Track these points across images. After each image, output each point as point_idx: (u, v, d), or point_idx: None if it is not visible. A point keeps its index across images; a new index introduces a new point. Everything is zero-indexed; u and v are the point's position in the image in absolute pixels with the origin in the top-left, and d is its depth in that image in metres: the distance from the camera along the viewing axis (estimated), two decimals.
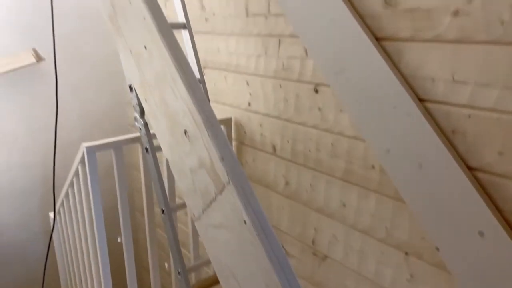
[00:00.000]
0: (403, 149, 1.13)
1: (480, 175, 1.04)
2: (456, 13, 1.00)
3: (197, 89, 0.79)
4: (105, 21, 1.05)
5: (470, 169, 1.05)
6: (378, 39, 1.19)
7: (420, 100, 1.12)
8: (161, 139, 0.94)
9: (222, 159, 0.72)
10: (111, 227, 1.82)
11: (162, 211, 1.36)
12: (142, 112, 1.38)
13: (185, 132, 0.81)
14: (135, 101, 1.38)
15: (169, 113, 0.85)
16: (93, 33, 2.53)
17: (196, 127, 0.77)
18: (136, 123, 1.41)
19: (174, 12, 1.92)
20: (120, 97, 2.78)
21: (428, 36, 1.07)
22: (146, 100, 0.95)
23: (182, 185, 0.87)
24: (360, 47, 1.20)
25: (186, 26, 1.51)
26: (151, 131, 1.42)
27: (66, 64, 2.47)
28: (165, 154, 0.94)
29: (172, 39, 0.82)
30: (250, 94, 1.69)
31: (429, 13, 1.05)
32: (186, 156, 0.82)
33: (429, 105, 1.10)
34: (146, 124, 1.37)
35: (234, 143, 1.81)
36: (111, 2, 0.98)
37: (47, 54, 2.32)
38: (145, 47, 0.88)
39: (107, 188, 2.11)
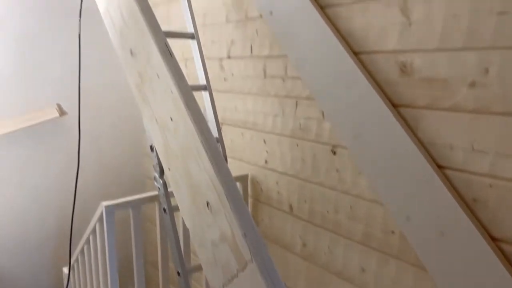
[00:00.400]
0: (423, 217, 1.12)
1: (504, 246, 1.01)
2: (472, 84, 1.03)
3: (221, 163, 0.80)
4: (131, 89, 1.09)
5: (493, 240, 1.03)
6: (395, 106, 1.21)
7: (439, 167, 1.12)
8: (182, 207, 0.95)
9: (245, 235, 0.72)
10: (123, 279, 1.80)
11: (178, 273, 1.34)
12: (161, 172, 1.40)
13: (208, 204, 0.82)
14: (155, 161, 1.41)
15: (192, 184, 0.87)
16: (114, 87, 2.63)
17: (219, 201, 0.78)
18: (155, 183, 1.43)
19: (194, 71, 2.00)
20: (138, 149, 2.83)
21: (445, 105, 1.09)
22: (169, 168, 0.97)
23: (202, 256, 0.87)
24: (377, 113, 1.23)
25: (206, 88, 1.56)
26: (169, 189, 1.44)
27: (87, 116, 2.55)
28: (186, 222, 0.94)
29: (198, 112, 0.85)
30: (267, 152, 1.71)
31: (446, 83, 1.08)
32: (208, 227, 0.83)
33: (448, 172, 1.10)
34: (165, 184, 1.39)
35: (250, 200, 1.81)
36: (138, 73, 1.03)
37: (69, 107, 2.41)
38: (171, 118, 0.91)
39: (122, 240, 2.10)
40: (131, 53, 1.03)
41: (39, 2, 2.28)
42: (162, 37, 0.93)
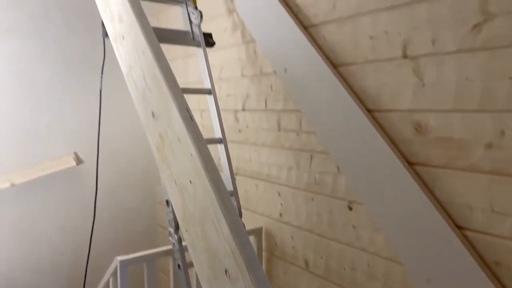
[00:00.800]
0: (445, 279, 1.09)
1: None
2: (489, 146, 1.03)
3: (240, 230, 0.81)
4: (152, 149, 1.12)
5: None
6: (410, 164, 1.21)
7: (459, 228, 1.10)
8: (199, 270, 0.94)
9: None
10: None
11: None
12: (176, 228, 1.40)
13: (226, 271, 0.81)
14: (170, 216, 1.42)
15: (210, 248, 0.87)
16: (130, 136, 2.68)
17: (237, 269, 0.78)
18: (170, 238, 1.42)
19: (209, 122, 2.04)
20: (151, 196, 2.84)
21: (462, 165, 1.09)
22: (187, 230, 0.97)
23: None
24: (393, 170, 1.23)
25: (222, 141, 1.59)
26: (184, 243, 1.44)
27: (103, 165, 2.59)
28: (202, 284, 0.93)
29: (217, 178, 0.87)
30: (282, 204, 1.71)
31: (461, 144, 1.08)
32: None
33: (468, 233, 1.08)
34: (180, 240, 1.39)
35: (264, 254, 1.79)
36: (159, 135, 1.06)
37: (85, 155, 2.46)
38: (190, 181, 0.93)
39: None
40: (153, 115, 1.07)
41: (63, 54, 2.38)
42: (183, 102, 0.97)
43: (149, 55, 1.04)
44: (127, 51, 1.19)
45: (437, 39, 1.12)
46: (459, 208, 1.10)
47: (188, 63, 2.36)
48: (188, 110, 0.96)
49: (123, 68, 1.25)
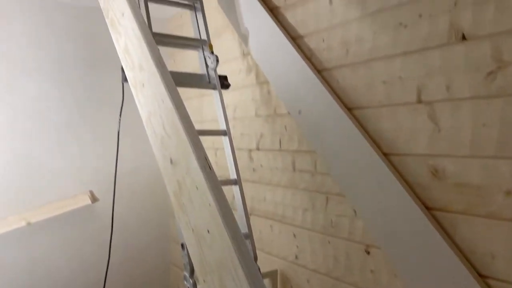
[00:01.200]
0: None
1: None
2: (508, 193, 1.02)
3: (257, 280, 0.80)
4: (170, 196, 1.13)
5: None
6: (428, 209, 1.20)
7: (481, 276, 1.07)
8: None
9: None
10: None
11: None
12: (191, 272, 1.39)
13: None
14: (185, 260, 1.41)
15: None
16: (144, 174, 2.71)
17: None
18: (185, 282, 1.41)
19: (223, 160, 2.05)
20: (164, 234, 2.84)
21: (482, 212, 1.07)
22: (204, 281, 0.97)
23: None
24: (411, 215, 1.21)
25: (237, 182, 1.60)
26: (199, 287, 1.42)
27: (117, 203, 2.60)
28: None
29: (235, 228, 0.87)
30: (297, 246, 1.68)
31: (480, 190, 1.07)
32: None
33: (491, 282, 1.05)
34: (195, 285, 1.37)
35: None
36: (177, 181, 1.07)
37: (101, 193, 2.48)
38: (208, 231, 0.93)
39: None
40: (171, 161, 1.09)
41: (82, 94, 2.45)
42: (201, 151, 0.99)
43: (168, 103, 1.07)
44: (147, 99, 1.22)
45: (451, 85, 1.13)
46: (481, 256, 1.07)
47: (203, 102, 2.41)
48: (206, 159, 0.97)
49: (143, 114, 1.28)
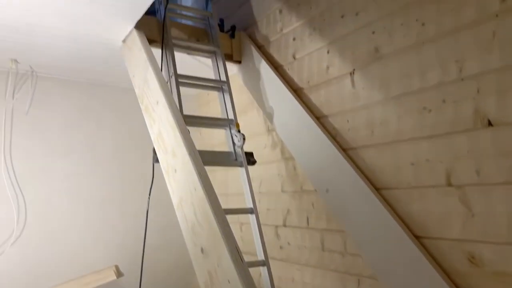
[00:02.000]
0: None
1: None
2: None
3: None
4: (199, 284, 1.12)
5: None
6: None
7: None
8: None
9: None
10: None
11: None
12: None
13: None
14: None
15: None
16: (172, 248, 2.70)
17: None
18: None
19: (249, 235, 2.03)
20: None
21: None
22: None
23: None
24: None
25: (265, 263, 1.57)
26: None
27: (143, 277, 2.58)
28: None
29: None
30: None
31: None
32: None
33: None
34: None
35: None
36: (208, 272, 1.07)
37: (125, 268, 2.46)
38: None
39: None
40: (202, 251, 1.09)
41: (114, 172, 2.53)
42: (233, 242, 0.99)
43: (201, 192, 1.10)
44: (179, 184, 1.26)
45: (481, 169, 1.13)
46: None
47: (228, 175, 2.44)
48: (238, 251, 0.97)
49: (174, 199, 1.31)
